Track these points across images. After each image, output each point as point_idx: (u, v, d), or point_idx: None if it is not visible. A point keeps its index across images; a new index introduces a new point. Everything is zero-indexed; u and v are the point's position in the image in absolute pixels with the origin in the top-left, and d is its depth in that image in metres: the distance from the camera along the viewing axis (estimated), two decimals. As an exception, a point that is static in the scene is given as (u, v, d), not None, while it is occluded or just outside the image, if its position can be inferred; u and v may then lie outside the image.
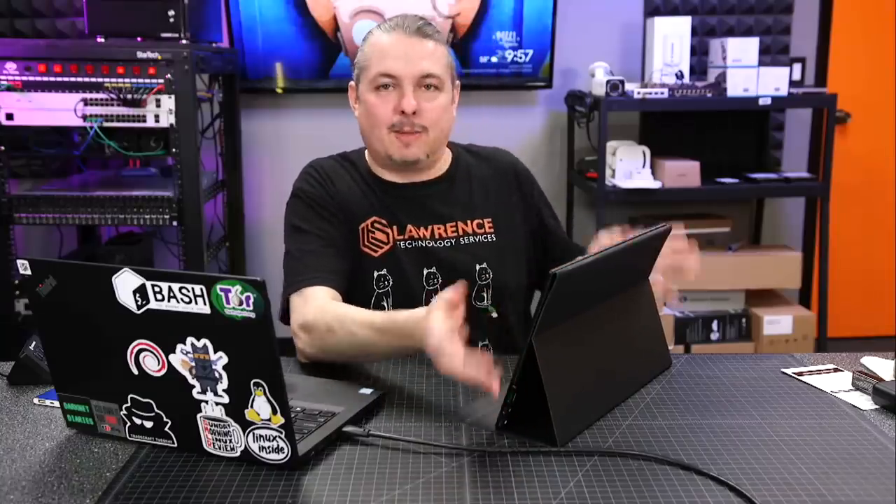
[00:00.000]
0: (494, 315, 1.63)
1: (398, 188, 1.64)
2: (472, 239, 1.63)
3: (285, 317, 1.53)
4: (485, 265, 1.61)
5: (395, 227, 1.61)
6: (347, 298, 1.51)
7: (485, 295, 1.62)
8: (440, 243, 1.61)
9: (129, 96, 2.66)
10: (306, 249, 1.55)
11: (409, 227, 1.61)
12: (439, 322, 1.16)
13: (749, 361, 1.48)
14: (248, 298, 0.99)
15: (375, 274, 1.57)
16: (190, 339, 1.04)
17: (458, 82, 1.66)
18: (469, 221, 1.64)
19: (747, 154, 3.80)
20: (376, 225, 1.60)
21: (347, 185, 1.64)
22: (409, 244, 1.60)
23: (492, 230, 1.64)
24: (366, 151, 1.70)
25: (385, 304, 1.58)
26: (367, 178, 1.66)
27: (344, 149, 1.74)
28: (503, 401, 1.17)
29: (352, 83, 1.65)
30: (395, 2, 3.44)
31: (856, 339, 3.99)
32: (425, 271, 1.59)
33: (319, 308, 1.43)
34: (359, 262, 1.58)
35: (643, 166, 3.39)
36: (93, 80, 2.67)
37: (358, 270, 1.57)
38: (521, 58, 3.57)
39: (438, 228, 1.62)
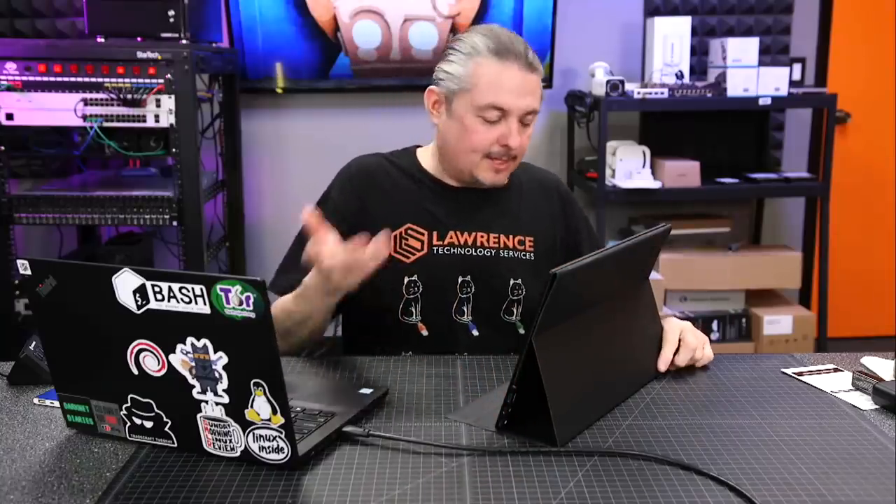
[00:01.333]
0: (522, 332, 1.63)
1: (451, 191, 1.64)
2: (511, 253, 1.63)
3: None
4: (519, 281, 1.61)
5: (434, 233, 1.60)
6: (378, 303, 1.55)
7: (514, 310, 1.62)
8: (480, 252, 1.61)
9: (129, 96, 2.66)
10: (294, 258, 1.62)
11: (452, 232, 1.61)
12: (325, 253, 1.35)
13: (749, 361, 1.48)
14: (248, 298, 0.99)
15: (406, 280, 1.57)
16: (190, 339, 1.04)
17: None
18: (511, 236, 1.63)
19: (747, 154, 3.80)
20: (410, 232, 1.60)
21: (389, 188, 1.63)
22: (447, 250, 1.60)
23: (532, 248, 1.64)
24: (418, 151, 1.70)
25: (413, 310, 1.58)
26: (418, 177, 1.65)
27: (343, 148, 1.75)
28: (503, 401, 1.17)
29: (435, 88, 1.59)
30: (395, 2, 3.44)
31: (856, 339, 3.99)
32: (460, 279, 1.59)
33: None
34: (389, 268, 1.57)
35: (643, 166, 3.39)
36: (93, 80, 2.67)
37: (387, 276, 1.56)
38: (521, 58, 3.56)
39: (482, 237, 1.61)
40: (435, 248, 1.59)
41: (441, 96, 1.59)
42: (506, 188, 1.68)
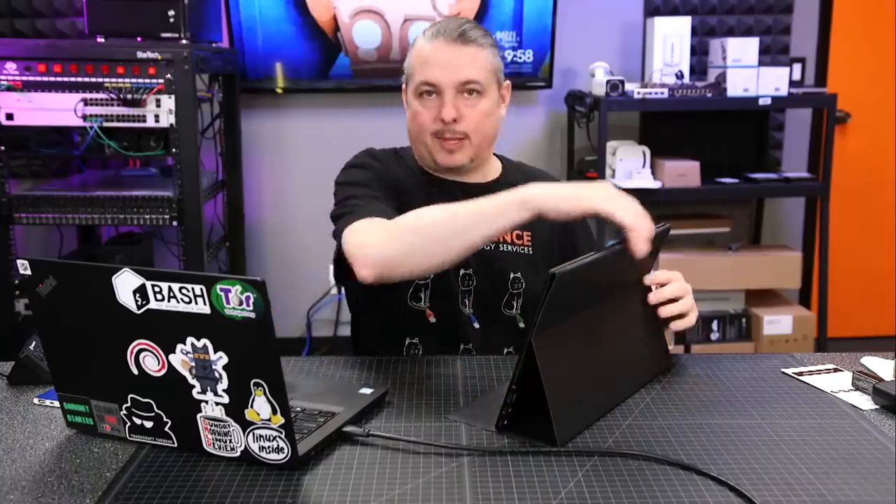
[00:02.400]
0: (522, 325, 1.63)
1: (446, 185, 1.65)
2: (510, 248, 1.64)
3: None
4: (519, 275, 1.62)
5: None
6: (385, 289, 1.46)
7: (514, 304, 1.63)
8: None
9: (129, 96, 2.66)
10: (371, 196, 1.52)
11: None
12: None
13: (749, 361, 1.48)
14: (248, 298, 0.99)
15: None
16: (190, 339, 1.04)
17: (507, 83, 1.66)
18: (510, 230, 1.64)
19: (747, 154, 3.81)
20: None
21: (397, 180, 1.65)
22: None
23: (529, 243, 1.66)
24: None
25: (422, 296, 1.59)
26: (416, 173, 1.67)
27: (343, 149, 1.75)
28: (503, 401, 1.17)
29: (403, 86, 1.67)
30: (395, 2, 3.44)
31: (856, 339, 3.99)
32: (461, 272, 1.60)
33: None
34: None
35: (643, 166, 3.39)
36: (93, 80, 2.68)
37: None
38: (520, 58, 3.57)
39: None
40: None
41: (405, 92, 1.65)
42: (495, 184, 1.68)
